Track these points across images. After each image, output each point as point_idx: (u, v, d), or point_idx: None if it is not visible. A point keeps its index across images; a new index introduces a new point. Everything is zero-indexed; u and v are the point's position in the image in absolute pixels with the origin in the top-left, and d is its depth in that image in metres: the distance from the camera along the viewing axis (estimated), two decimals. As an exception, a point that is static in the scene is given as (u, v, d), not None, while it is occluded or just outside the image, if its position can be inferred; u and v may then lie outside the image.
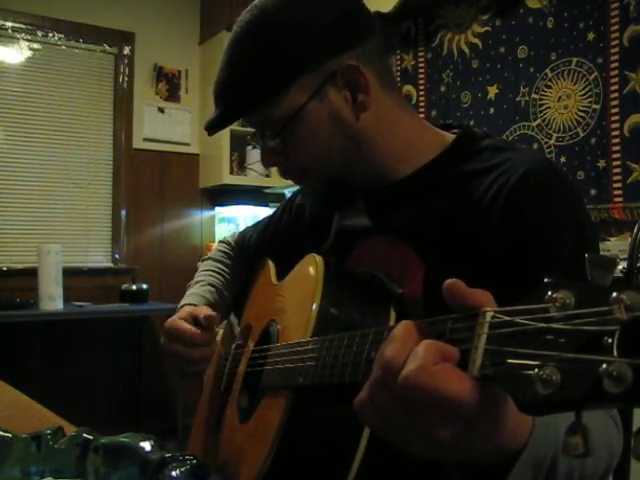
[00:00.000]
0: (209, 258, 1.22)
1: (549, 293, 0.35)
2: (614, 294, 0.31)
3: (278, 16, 0.78)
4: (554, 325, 0.34)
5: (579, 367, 0.32)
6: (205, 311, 0.95)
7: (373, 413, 0.46)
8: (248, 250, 1.19)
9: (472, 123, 2.87)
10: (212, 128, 0.86)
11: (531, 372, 0.34)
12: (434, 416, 0.42)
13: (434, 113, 3.12)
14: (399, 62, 3.29)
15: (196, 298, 1.08)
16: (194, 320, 0.96)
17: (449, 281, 0.44)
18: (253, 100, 0.80)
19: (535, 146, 2.63)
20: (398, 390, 0.43)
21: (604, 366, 0.30)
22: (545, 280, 0.36)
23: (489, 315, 0.39)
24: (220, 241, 1.28)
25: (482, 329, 0.39)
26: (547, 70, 2.61)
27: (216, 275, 1.16)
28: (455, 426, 0.42)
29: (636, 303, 0.30)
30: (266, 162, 0.87)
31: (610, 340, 0.31)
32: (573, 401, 0.33)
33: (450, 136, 0.85)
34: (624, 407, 0.32)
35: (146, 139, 3.82)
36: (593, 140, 2.44)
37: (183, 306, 1.06)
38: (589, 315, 0.32)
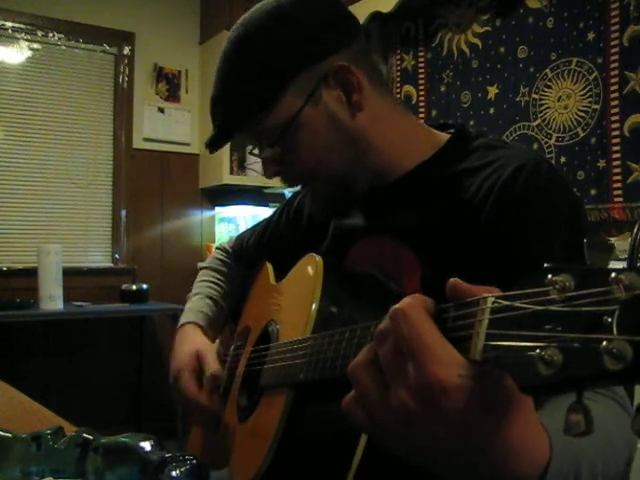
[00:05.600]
0: (206, 267, 1.22)
1: (549, 276, 0.35)
2: (613, 274, 0.32)
3: (264, 26, 0.79)
4: (554, 307, 0.34)
5: (580, 346, 0.32)
6: (211, 366, 0.97)
7: (360, 409, 0.46)
8: (247, 253, 1.19)
9: (472, 123, 2.87)
10: (213, 145, 0.86)
11: (532, 353, 0.34)
12: (425, 410, 0.41)
13: (434, 113, 3.12)
14: (399, 62, 3.29)
15: (196, 315, 1.10)
16: (200, 364, 0.99)
17: (450, 281, 0.44)
18: (248, 110, 0.81)
19: (535, 146, 2.63)
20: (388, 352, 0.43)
21: (604, 344, 0.31)
22: (545, 265, 0.36)
23: (490, 301, 0.39)
24: (217, 247, 1.28)
25: (483, 314, 0.39)
26: (547, 70, 2.61)
27: (213, 286, 1.17)
28: (447, 423, 0.41)
29: (635, 282, 0.31)
30: (268, 173, 0.87)
31: (610, 319, 0.31)
32: (575, 380, 0.33)
33: (444, 136, 0.86)
34: (624, 384, 0.32)
35: (146, 139, 3.82)
36: (593, 140, 2.44)
37: (185, 325, 1.08)
38: (589, 296, 0.33)
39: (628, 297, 0.31)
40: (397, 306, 0.43)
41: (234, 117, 0.83)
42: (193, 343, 1.02)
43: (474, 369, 0.40)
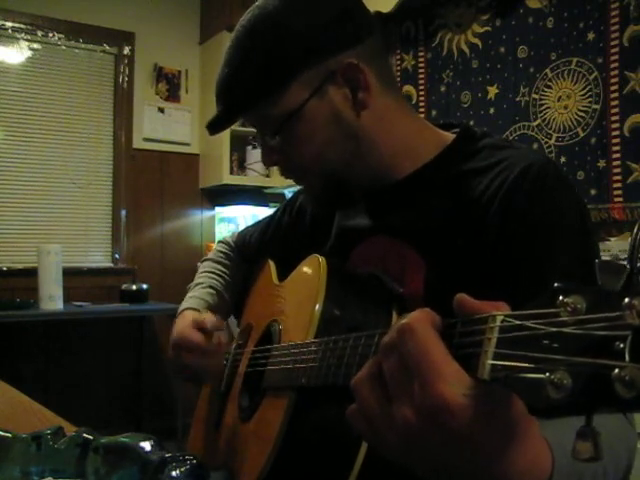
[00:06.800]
0: (209, 259, 1.22)
1: (560, 298, 0.34)
2: (626, 300, 0.31)
3: (279, 14, 0.78)
4: (565, 330, 0.34)
5: (591, 372, 0.32)
6: (210, 317, 0.96)
7: (362, 422, 0.46)
8: (248, 250, 1.18)
9: (472, 123, 2.86)
10: (213, 127, 0.86)
11: (542, 376, 0.34)
12: (424, 422, 0.41)
13: (434, 113, 3.12)
14: (399, 62, 3.29)
15: (197, 301, 1.08)
16: (199, 328, 0.96)
17: (457, 297, 0.43)
18: (253, 97, 0.80)
19: (535, 146, 2.63)
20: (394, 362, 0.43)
21: (616, 371, 0.30)
22: (555, 285, 0.35)
23: (499, 319, 0.39)
24: (219, 241, 1.28)
25: (492, 333, 0.39)
26: (547, 70, 2.61)
27: (216, 277, 1.16)
28: (451, 441, 0.40)
29: None
30: (266, 161, 0.87)
31: (622, 345, 0.31)
32: (585, 405, 0.33)
33: (450, 135, 0.85)
34: (635, 411, 0.32)
35: (146, 139, 3.82)
36: (593, 140, 2.44)
37: (184, 310, 1.07)
38: (600, 320, 0.32)
39: None
40: (405, 321, 0.43)
41: (239, 101, 0.82)
42: (191, 317, 1.01)
43: (480, 388, 0.40)
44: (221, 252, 1.22)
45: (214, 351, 0.93)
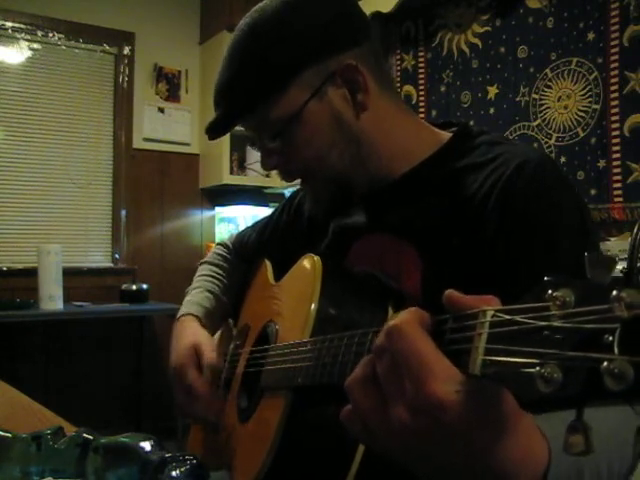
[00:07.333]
0: (206, 262, 1.22)
1: (549, 292, 0.34)
2: (614, 292, 0.31)
3: (279, 16, 0.79)
4: (555, 323, 0.34)
5: (580, 365, 0.32)
6: (209, 358, 0.97)
7: (357, 423, 0.46)
8: (247, 251, 1.19)
9: (472, 123, 2.86)
10: (213, 132, 0.85)
11: (532, 370, 0.34)
12: (415, 418, 0.41)
13: (434, 113, 3.12)
14: (399, 62, 3.29)
15: (195, 307, 1.10)
16: (198, 355, 0.98)
17: (447, 293, 0.43)
18: (253, 99, 0.80)
19: (535, 146, 2.63)
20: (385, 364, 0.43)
21: (605, 364, 0.30)
22: (545, 278, 0.35)
23: (489, 314, 0.39)
24: (217, 243, 1.28)
25: (483, 328, 0.39)
26: (547, 70, 2.61)
27: (214, 280, 1.16)
28: (446, 438, 0.41)
29: (636, 301, 0.30)
30: (266, 165, 0.87)
31: (611, 338, 0.31)
32: (575, 398, 0.33)
33: (447, 134, 0.85)
34: (626, 403, 0.32)
35: (146, 139, 3.82)
36: (593, 140, 2.44)
37: (183, 316, 1.08)
38: (589, 313, 0.32)
39: (630, 316, 0.30)
40: (392, 322, 0.43)
41: (239, 104, 0.82)
42: (191, 336, 1.02)
43: (472, 384, 0.40)
44: (219, 254, 1.23)
45: (208, 397, 0.95)
